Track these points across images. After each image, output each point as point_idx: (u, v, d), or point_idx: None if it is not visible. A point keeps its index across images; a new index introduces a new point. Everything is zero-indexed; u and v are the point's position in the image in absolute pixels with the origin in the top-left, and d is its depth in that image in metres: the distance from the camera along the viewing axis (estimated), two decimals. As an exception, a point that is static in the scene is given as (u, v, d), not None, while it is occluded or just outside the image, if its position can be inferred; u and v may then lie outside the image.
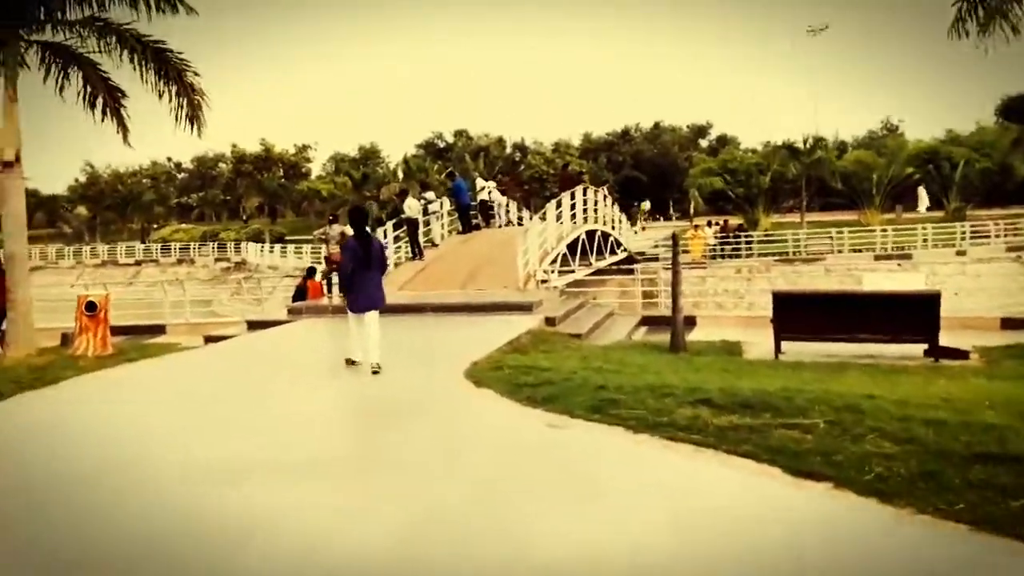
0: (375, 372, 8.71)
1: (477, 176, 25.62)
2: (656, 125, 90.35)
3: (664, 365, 9.18)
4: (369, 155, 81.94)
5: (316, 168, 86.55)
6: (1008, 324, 14.09)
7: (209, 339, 15.01)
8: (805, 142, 40.01)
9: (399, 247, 20.08)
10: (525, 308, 14.51)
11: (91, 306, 13.20)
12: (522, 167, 71.51)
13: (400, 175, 62.79)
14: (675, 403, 6.16)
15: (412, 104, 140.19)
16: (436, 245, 20.81)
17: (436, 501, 4.47)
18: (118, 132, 14.07)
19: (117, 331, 18.33)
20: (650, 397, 6.36)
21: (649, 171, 79.71)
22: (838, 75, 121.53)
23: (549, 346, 11.64)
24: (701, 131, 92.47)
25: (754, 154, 71.47)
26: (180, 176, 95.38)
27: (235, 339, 13.50)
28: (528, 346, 11.31)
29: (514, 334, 11.61)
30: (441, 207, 21.50)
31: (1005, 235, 33.12)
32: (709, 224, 33.51)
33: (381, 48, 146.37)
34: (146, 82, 13.18)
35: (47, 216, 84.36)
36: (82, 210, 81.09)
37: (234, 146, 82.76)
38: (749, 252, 31.86)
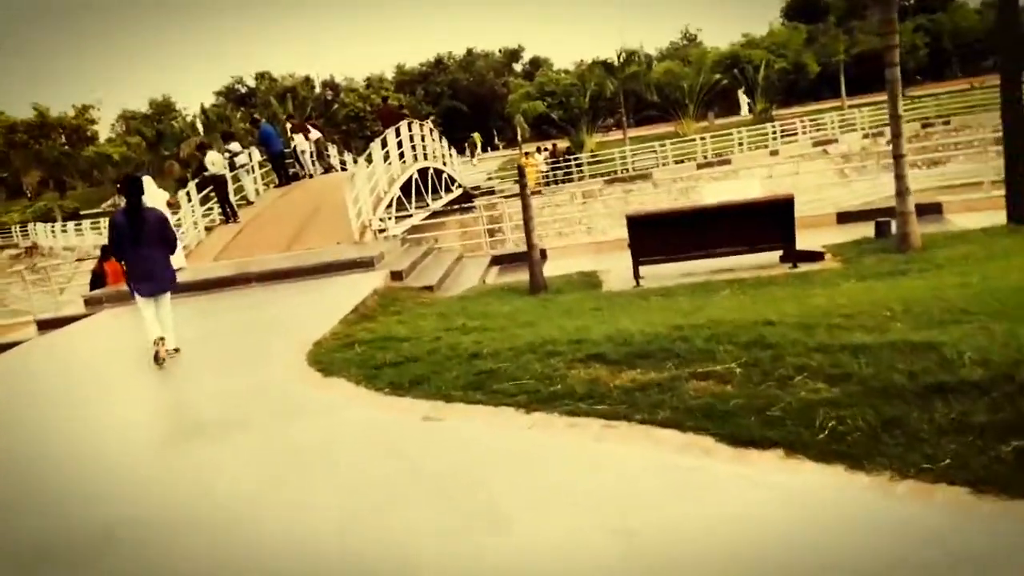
0: (172, 355, 7.89)
1: (287, 120, 23.32)
2: (469, 52, 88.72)
3: (532, 311, 8.25)
4: (162, 110, 74.61)
5: (104, 131, 78.00)
6: (843, 218, 14.42)
7: (-9, 348, 12.51)
8: (619, 56, 40.16)
9: (210, 210, 17.81)
10: (366, 264, 13.11)
11: None
12: (335, 106, 67.88)
13: (200, 128, 57.48)
14: (563, 364, 5.21)
15: (204, 49, 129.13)
16: (251, 203, 18.68)
17: (296, 542, 3.28)
18: None
19: None
20: (534, 360, 5.37)
21: (468, 100, 78.33)
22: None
23: (401, 306, 10.42)
24: (514, 55, 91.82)
25: (568, 74, 71.87)
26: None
27: (21, 347, 11.19)
28: (377, 310, 10.03)
29: (358, 297, 10.27)
30: (250, 159, 19.26)
31: (808, 131, 35.01)
32: (538, 150, 32.99)
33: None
34: None
35: None
36: None
37: (1, 114, 72.54)
38: (580, 175, 31.69)
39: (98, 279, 15.16)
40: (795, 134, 34.95)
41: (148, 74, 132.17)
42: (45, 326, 12.94)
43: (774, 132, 34.30)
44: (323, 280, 12.51)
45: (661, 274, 10.87)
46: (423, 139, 23.44)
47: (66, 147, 70.30)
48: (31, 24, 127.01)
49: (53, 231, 44.43)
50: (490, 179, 34.57)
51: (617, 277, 11.27)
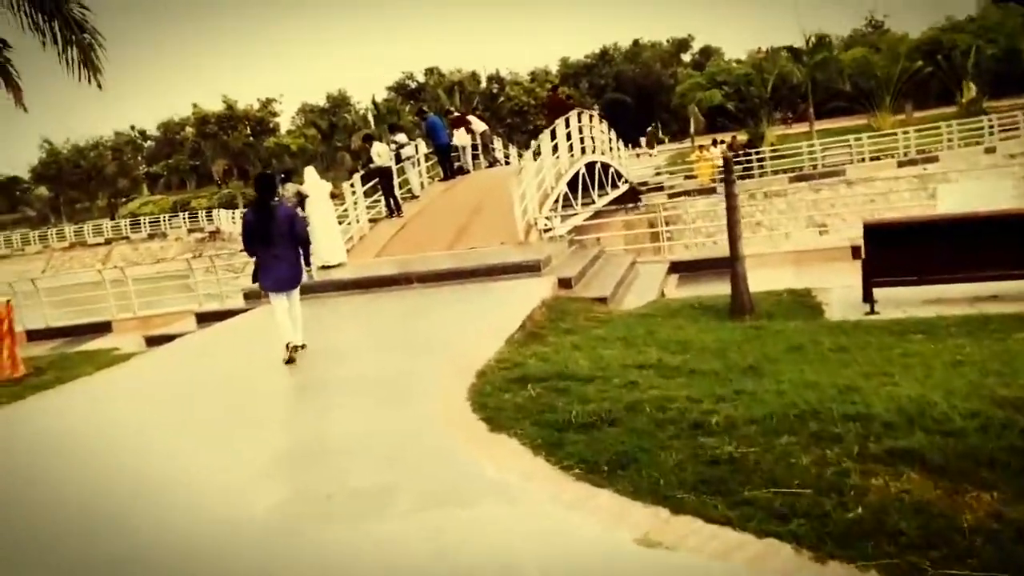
0: (292, 356, 7.67)
1: (454, 111, 22.54)
2: (635, 43, 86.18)
3: (748, 347, 6.50)
4: (338, 103, 77.64)
5: (285, 122, 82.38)
6: None
7: (151, 340, 12.28)
8: (807, 41, 36.47)
9: (373, 203, 17.17)
10: (532, 268, 11.77)
11: (-14, 319, 10.45)
12: (500, 100, 67.64)
13: (371, 120, 58.99)
14: (850, 461, 3.43)
15: (380, 46, 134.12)
16: (416, 197, 17.90)
17: None
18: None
19: (56, 333, 15.68)
20: (796, 448, 3.66)
21: (633, 92, 75.94)
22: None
23: (572, 321, 8.96)
24: (683, 44, 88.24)
25: (741, 63, 67.78)
26: (147, 145, 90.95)
27: (176, 343, 10.73)
28: (546, 326, 8.62)
29: (525, 309, 8.92)
30: (416, 151, 18.49)
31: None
32: (715, 143, 30.57)
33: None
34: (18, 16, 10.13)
35: (8, 201, 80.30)
36: (43, 190, 76.95)
37: (195, 106, 78.29)
38: (762, 171, 28.95)
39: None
40: (1015, 129, 30.29)
41: (326, 72, 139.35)
42: (204, 319, 12.58)
43: (990, 126, 29.86)
44: (486, 284, 11.31)
45: (897, 298, 8.74)
46: (591, 130, 21.87)
47: (250, 138, 74.78)
48: (222, 19, 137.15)
49: (233, 218, 46.90)
50: (658, 174, 32.49)
51: (840, 300, 9.25)
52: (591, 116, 22.21)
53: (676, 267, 13.59)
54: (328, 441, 5.20)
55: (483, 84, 79.12)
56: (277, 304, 7.87)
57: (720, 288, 12.17)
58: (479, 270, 11.99)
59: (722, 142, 30.80)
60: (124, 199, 76.29)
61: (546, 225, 15.11)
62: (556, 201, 16.87)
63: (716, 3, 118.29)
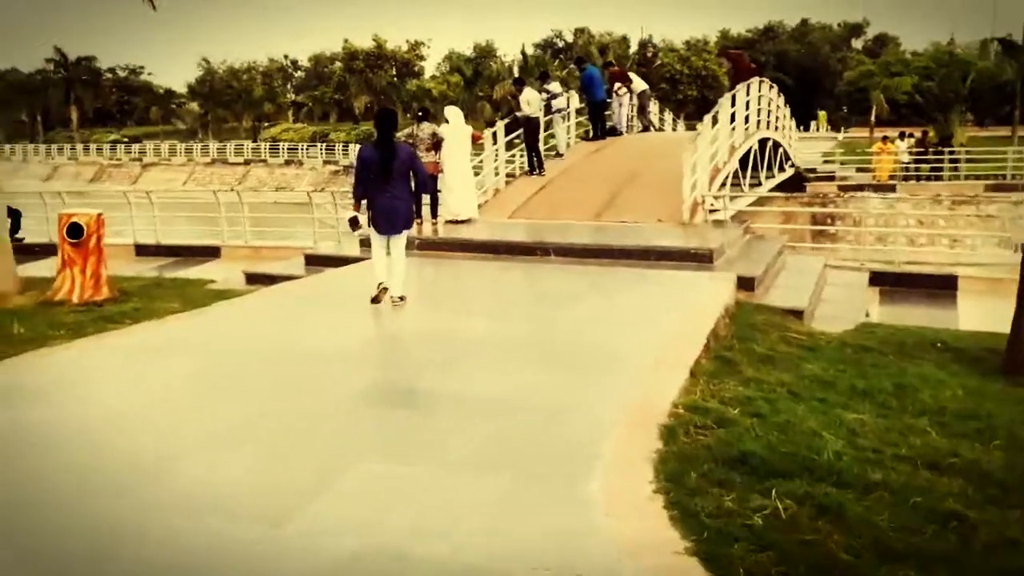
0: (396, 304, 7.41)
1: (605, 68, 20.14)
2: (804, 22, 79.98)
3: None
4: (484, 53, 76.00)
5: (429, 68, 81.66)
6: None
7: (252, 278, 10.85)
8: (1025, 35, 31.22)
9: (513, 157, 15.20)
10: (702, 258, 9.56)
11: (75, 230, 9.22)
12: (653, 66, 64.10)
13: (516, 72, 57.03)
14: None
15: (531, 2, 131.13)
16: (560, 155, 15.79)
17: None
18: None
19: (165, 251, 14.73)
20: None
21: (795, 74, 70.25)
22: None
23: (768, 344, 6.73)
24: (856, 29, 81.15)
25: (918, 56, 61.22)
26: (297, 74, 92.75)
27: (277, 290, 9.16)
28: (735, 347, 6.44)
29: (703, 316, 6.76)
30: (568, 104, 16.31)
31: None
32: (902, 136, 26.74)
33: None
34: None
35: (162, 112, 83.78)
36: (194, 106, 79.60)
37: (346, 41, 78.70)
38: (954, 174, 25.05)
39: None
40: None
41: (475, 23, 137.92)
42: (313, 262, 11.05)
43: None
44: (642, 271, 9.18)
45: None
46: (770, 103, 19.03)
47: (395, 78, 74.48)
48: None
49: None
50: (827, 162, 28.97)
51: None
52: (771, 86, 19.34)
53: (877, 279, 10.94)
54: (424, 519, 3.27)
55: (632, 49, 75.54)
56: (378, 246, 7.51)
57: (936, 316, 9.62)
58: (634, 251, 9.86)
59: (910, 135, 26.93)
60: (268, 124, 77.96)
61: (712, 206, 12.72)
62: (727, 179, 14.39)
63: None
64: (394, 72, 77.46)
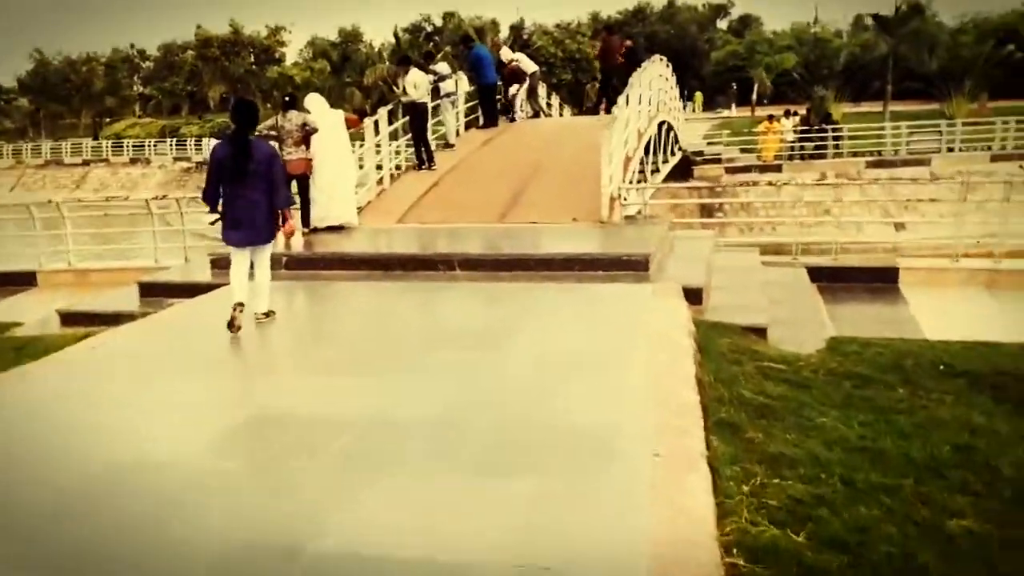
0: (260, 321, 6.50)
1: (502, 46, 18.45)
2: (670, 3, 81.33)
3: None
4: (350, 38, 72.50)
5: (292, 54, 77.12)
6: None
7: (70, 319, 8.45)
8: (898, 9, 31.81)
9: (398, 150, 13.25)
10: (636, 265, 8.06)
11: None
12: (527, 50, 62.93)
13: (386, 58, 54.26)
14: None
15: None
16: (452, 146, 13.98)
17: None
18: None
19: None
20: None
21: (666, 55, 71.08)
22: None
23: (757, 386, 5.30)
24: (720, 9, 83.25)
25: (780, 35, 63.13)
26: (145, 65, 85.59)
27: (93, 346, 6.87)
28: (725, 395, 4.94)
29: (677, 358, 5.23)
30: (457, 87, 14.49)
31: None
32: (787, 114, 26.56)
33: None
34: None
35: (-16, 109, 75.33)
36: (23, 102, 71.65)
37: (198, 27, 72.99)
38: (837, 151, 25.03)
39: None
40: None
41: (339, 5, 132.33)
42: (151, 292, 8.79)
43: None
44: (571, 286, 7.61)
45: None
46: (667, 82, 17.95)
47: (253, 66, 69.82)
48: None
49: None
50: (711, 143, 28.53)
51: None
52: (667, 64, 18.25)
53: (813, 274, 9.80)
54: None
55: (503, 34, 74.26)
56: (236, 260, 6.50)
57: (893, 318, 8.58)
58: (556, 260, 8.25)
59: (795, 113, 26.80)
60: (110, 119, 71.34)
61: (626, 199, 11.31)
62: (637, 168, 13.05)
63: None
64: (252, 59, 72.58)
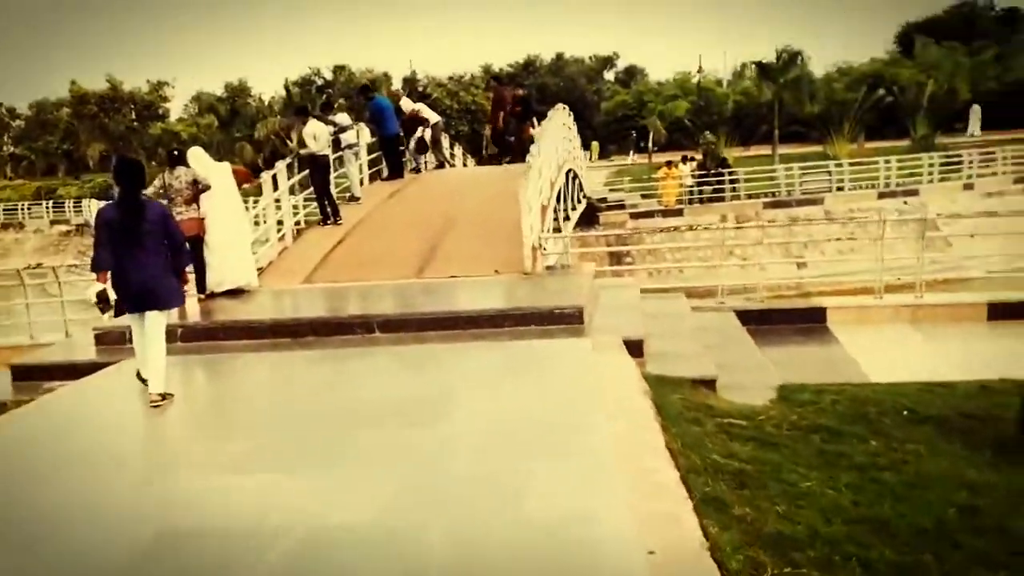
0: (156, 404, 5.75)
1: (402, 96, 18.00)
2: (559, 56, 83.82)
3: None
4: (237, 92, 70.70)
5: (176, 109, 74.38)
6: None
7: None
8: (779, 57, 33.60)
9: (299, 206, 12.40)
10: (570, 318, 7.58)
11: None
12: (427, 100, 62.95)
13: (277, 111, 52.93)
14: None
15: (282, 41, 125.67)
16: (357, 199, 13.27)
17: None
18: None
19: None
20: None
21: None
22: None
23: (723, 447, 4.87)
24: (607, 62, 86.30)
25: (671, 84, 65.83)
26: (15, 124, 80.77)
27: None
28: (697, 463, 4.46)
29: (640, 425, 4.72)
30: (358, 137, 13.85)
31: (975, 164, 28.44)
32: (684, 160, 27.18)
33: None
34: None
35: None
36: None
37: (73, 83, 69.43)
38: (735, 193, 25.71)
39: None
40: (992, 164, 28.56)
41: (223, 60, 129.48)
42: (25, 375, 7.66)
43: (969, 162, 27.90)
44: (506, 344, 7.04)
45: None
46: (570, 130, 17.92)
47: (135, 122, 66.90)
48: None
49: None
50: (613, 190, 28.87)
51: None
52: (570, 113, 18.23)
53: (742, 318, 9.60)
54: None
55: (395, 86, 74.25)
56: (139, 331, 6.16)
57: (832, 360, 8.43)
58: (485, 317, 7.67)
59: (692, 159, 27.49)
60: (-22, 183, 66.53)
61: (546, 249, 10.89)
62: (551, 217, 12.71)
63: (639, 23, 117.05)
64: (134, 116, 69.54)
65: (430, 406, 5.31)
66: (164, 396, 5.86)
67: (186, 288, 6.44)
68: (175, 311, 7.41)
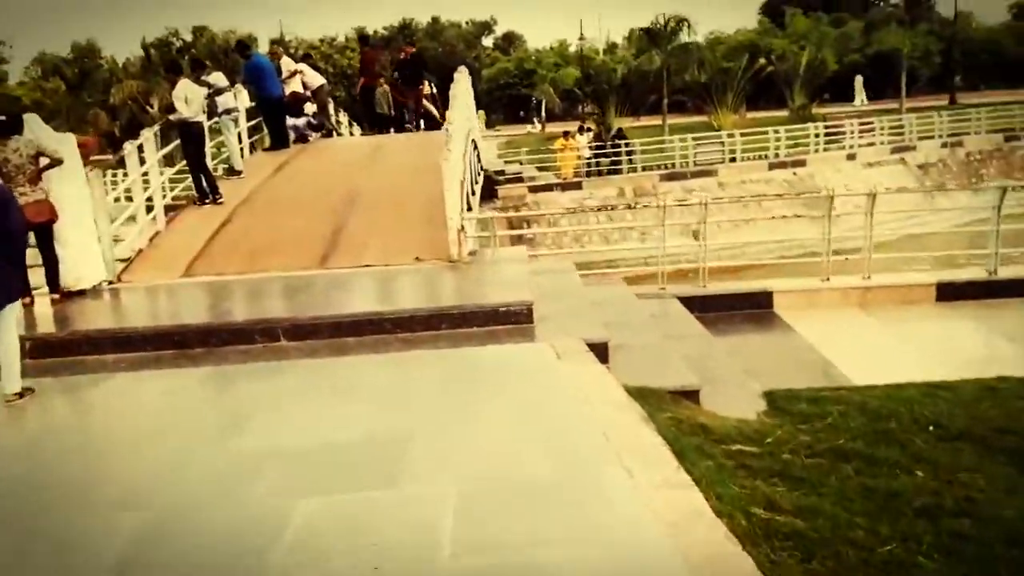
0: (10, 402, 5.13)
1: (282, 55, 16.04)
2: (435, 20, 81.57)
3: None
4: (86, 54, 64.37)
5: (15, 73, 66.87)
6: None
7: None
8: (665, 25, 33.19)
9: (173, 183, 10.54)
10: (518, 317, 6.50)
11: None
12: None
13: (134, 74, 48.21)
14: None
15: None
16: (239, 173, 11.53)
17: None
18: None
19: None
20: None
21: (436, 72, 70.69)
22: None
23: (755, 492, 3.88)
24: (485, 27, 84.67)
25: (550, 51, 65.37)
26: None
27: None
28: (740, 519, 3.41)
29: (640, 459, 3.67)
30: (236, 100, 12.03)
31: (857, 134, 29.45)
32: (581, 130, 26.31)
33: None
34: None
35: None
36: None
37: None
38: (632, 166, 25.20)
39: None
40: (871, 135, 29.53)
41: (65, 19, 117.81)
42: None
43: (851, 132, 28.68)
44: (442, 354, 5.83)
45: None
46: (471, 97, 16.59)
47: (-34, 85, 59.57)
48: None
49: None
50: (508, 162, 27.81)
51: None
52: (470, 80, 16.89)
53: (687, 304, 8.78)
54: None
55: (263, 48, 69.81)
56: None
57: (786, 345, 7.74)
58: (415, 317, 6.43)
59: (588, 129, 26.70)
60: None
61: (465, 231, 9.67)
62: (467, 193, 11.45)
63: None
64: (-39, 81, 61.94)
65: (379, 455, 4.06)
66: (22, 393, 5.20)
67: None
68: (19, 314, 5.85)
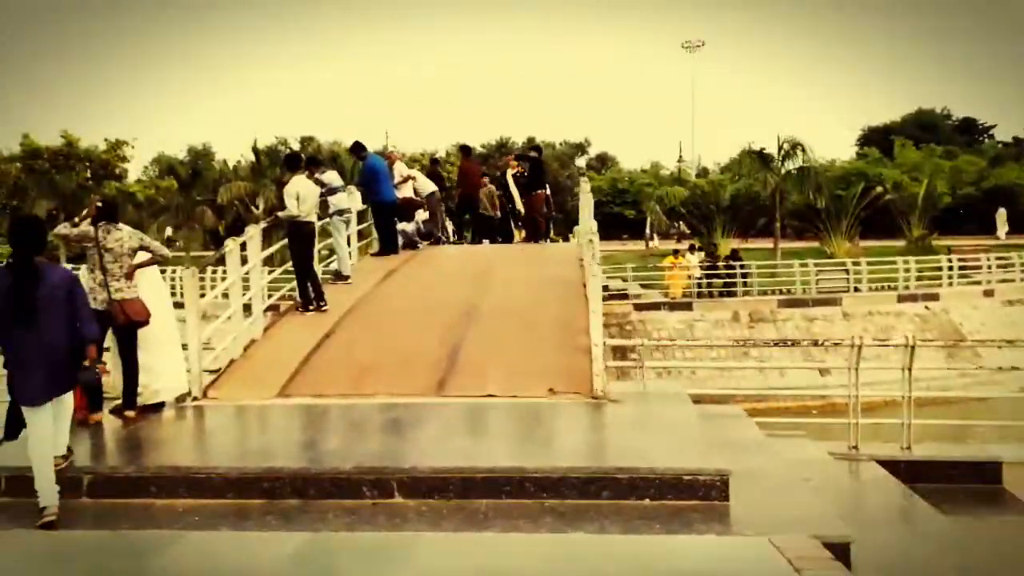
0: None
1: (396, 159, 15.38)
2: (530, 140, 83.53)
3: None
4: (200, 156, 67.94)
5: (135, 171, 71.03)
6: None
7: None
8: (780, 147, 32.11)
9: (272, 287, 9.58)
10: (707, 491, 4.84)
11: None
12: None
13: (242, 175, 49.99)
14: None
15: (249, 106, 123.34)
16: (346, 279, 10.48)
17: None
18: None
19: None
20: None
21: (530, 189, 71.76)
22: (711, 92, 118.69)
23: None
24: (579, 148, 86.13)
25: (644, 173, 65.51)
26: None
27: None
28: None
29: None
30: (349, 201, 11.14)
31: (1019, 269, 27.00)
32: (692, 249, 25.00)
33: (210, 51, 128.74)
34: None
35: None
36: None
37: (26, 137, 65.92)
38: (746, 288, 23.54)
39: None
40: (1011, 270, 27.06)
41: (187, 123, 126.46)
42: None
43: (988, 267, 26.34)
44: (607, 540, 4.20)
45: None
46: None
47: (89, 181, 63.32)
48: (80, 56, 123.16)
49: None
50: (611, 278, 26.50)
51: None
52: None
53: (892, 471, 6.89)
54: None
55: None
56: (37, 426, 4.74)
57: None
58: (564, 481, 4.88)
59: (700, 248, 25.39)
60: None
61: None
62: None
63: (608, 113, 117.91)
64: (88, 174, 65.92)
65: None
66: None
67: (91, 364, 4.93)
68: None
